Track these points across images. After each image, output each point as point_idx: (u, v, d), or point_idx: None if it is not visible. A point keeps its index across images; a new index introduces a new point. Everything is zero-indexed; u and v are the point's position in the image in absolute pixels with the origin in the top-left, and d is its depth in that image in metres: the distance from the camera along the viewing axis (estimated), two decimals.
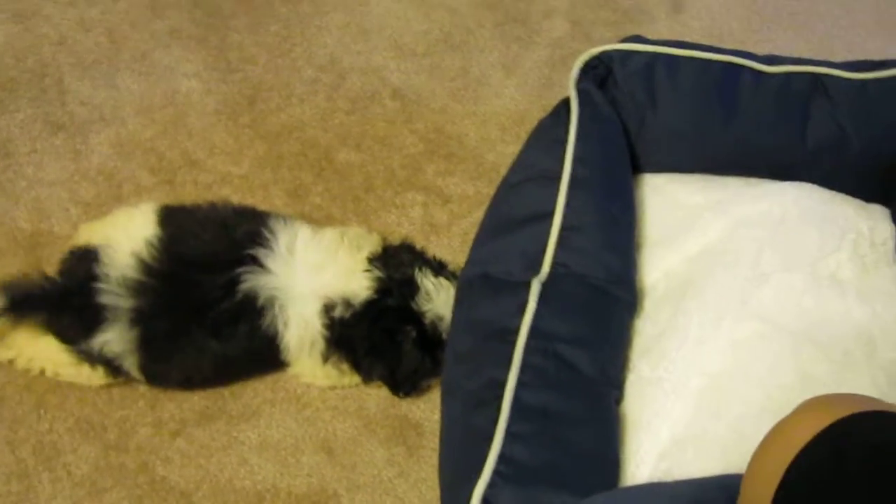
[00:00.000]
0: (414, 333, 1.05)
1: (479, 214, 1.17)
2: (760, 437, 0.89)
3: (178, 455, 1.11)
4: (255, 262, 1.03)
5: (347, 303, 1.03)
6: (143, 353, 1.03)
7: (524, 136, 1.18)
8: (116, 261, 1.02)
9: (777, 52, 1.17)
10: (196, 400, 1.15)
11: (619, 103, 1.10)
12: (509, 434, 0.84)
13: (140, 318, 1.01)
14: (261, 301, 1.02)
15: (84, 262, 1.04)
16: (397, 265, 1.06)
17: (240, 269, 1.02)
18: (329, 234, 1.09)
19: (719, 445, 0.92)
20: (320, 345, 1.05)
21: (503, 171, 1.16)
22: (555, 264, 0.95)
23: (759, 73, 1.11)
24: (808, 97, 1.11)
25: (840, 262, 1.05)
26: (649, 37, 1.15)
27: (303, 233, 1.07)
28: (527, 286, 0.92)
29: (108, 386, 1.14)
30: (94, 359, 1.04)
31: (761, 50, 1.17)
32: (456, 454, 0.88)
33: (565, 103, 1.08)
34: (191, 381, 1.11)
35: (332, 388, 1.16)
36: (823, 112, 1.11)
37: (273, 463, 1.11)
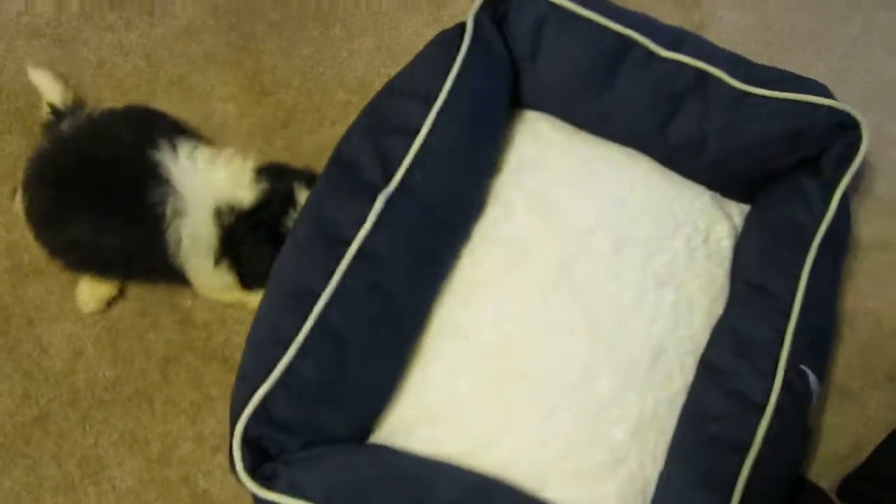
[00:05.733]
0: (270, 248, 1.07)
1: None
2: (505, 431, 0.96)
3: (218, 469, 1.14)
4: (168, 145, 1.09)
5: (233, 209, 1.07)
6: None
7: None
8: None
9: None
10: None
11: (508, 43, 1.13)
12: (303, 348, 0.91)
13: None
14: (158, 174, 1.06)
15: None
16: (281, 177, 1.11)
17: (146, 150, 1.08)
18: (225, 151, 1.14)
19: (476, 418, 0.97)
20: (213, 245, 1.08)
21: None
22: (404, 181, 0.99)
23: (652, 54, 1.08)
24: (684, 95, 1.09)
25: (674, 251, 1.07)
26: None
27: (203, 148, 1.13)
28: (373, 198, 0.97)
29: (150, 402, 1.18)
30: None
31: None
32: (255, 352, 0.93)
33: (461, 29, 1.09)
34: (73, 248, 1.12)
35: (229, 304, 1.20)
36: (692, 114, 1.10)
37: None
